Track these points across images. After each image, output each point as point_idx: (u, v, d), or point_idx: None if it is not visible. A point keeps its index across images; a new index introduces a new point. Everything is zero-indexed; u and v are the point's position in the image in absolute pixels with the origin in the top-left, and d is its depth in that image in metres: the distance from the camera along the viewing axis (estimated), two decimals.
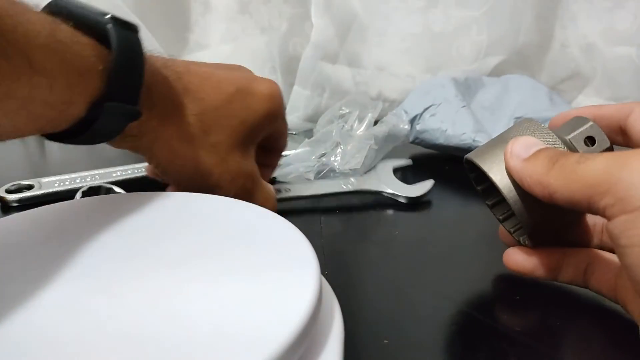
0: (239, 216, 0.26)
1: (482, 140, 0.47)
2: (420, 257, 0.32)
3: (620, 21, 0.69)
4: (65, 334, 0.17)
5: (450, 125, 0.49)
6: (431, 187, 0.40)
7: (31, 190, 0.42)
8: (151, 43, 0.60)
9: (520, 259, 0.27)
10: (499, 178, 0.25)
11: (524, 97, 0.54)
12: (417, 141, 0.51)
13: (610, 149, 0.26)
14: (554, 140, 0.25)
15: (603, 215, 0.20)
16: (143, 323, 0.18)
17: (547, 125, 0.27)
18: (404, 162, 0.45)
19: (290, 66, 0.69)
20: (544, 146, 0.24)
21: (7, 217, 0.26)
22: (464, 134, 0.48)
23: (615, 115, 0.27)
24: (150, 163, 0.30)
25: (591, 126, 0.26)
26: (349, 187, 0.39)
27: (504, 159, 0.25)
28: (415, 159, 0.46)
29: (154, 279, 0.21)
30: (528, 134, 0.26)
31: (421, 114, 0.51)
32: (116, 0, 0.57)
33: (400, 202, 0.39)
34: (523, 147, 0.24)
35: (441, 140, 0.49)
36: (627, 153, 0.20)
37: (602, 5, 0.69)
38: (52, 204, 0.28)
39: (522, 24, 0.68)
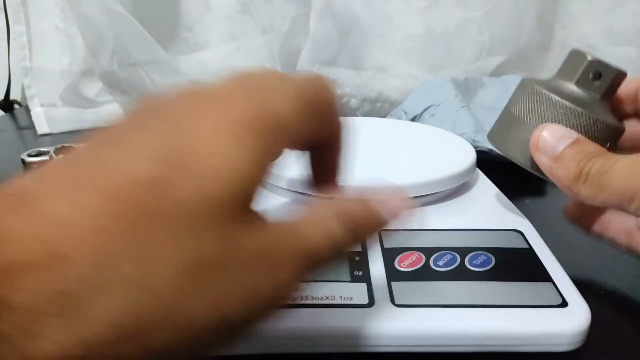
0: None
1: (482, 140, 0.47)
2: None
3: (620, 21, 0.69)
4: None
5: (450, 126, 0.49)
6: None
7: None
8: (151, 43, 0.60)
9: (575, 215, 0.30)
10: (528, 164, 0.28)
11: None
12: None
13: (618, 75, 0.27)
14: (564, 111, 0.26)
15: (634, 215, 0.22)
16: None
17: None
18: None
19: (292, 65, 0.69)
20: (568, 141, 0.25)
21: None
22: (464, 134, 0.48)
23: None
24: None
25: (590, 63, 0.27)
26: None
27: (532, 152, 0.26)
28: None
29: None
30: (537, 109, 0.27)
31: (421, 114, 0.51)
32: (114, 2, 0.57)
33: None
34: (549, 144, 0.25)
35: None
36: None
37: (602, 5, 0.69)
38: None
39: (523, 24, 0.68)
